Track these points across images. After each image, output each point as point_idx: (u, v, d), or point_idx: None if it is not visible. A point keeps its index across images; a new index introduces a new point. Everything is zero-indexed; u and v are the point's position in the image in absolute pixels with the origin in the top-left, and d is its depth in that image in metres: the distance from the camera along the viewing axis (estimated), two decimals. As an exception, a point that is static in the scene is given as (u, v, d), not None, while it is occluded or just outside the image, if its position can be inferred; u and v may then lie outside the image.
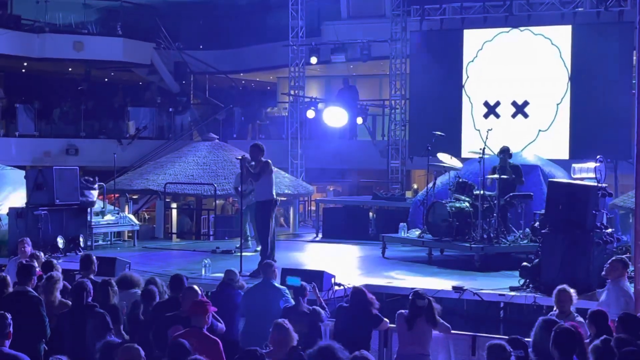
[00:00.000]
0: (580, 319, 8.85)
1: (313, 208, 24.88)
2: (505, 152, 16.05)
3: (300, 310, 9.74)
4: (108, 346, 6.85)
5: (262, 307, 10.19)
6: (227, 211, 23.90)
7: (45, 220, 16.54)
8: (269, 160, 14.15)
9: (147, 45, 28.27)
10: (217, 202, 21.56)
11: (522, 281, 12.74)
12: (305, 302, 9.95)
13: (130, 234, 19.25)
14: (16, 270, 9.71)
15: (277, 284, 10.78)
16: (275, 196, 14.27)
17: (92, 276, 10.43)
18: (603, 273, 10.09)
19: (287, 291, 10.50)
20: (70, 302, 9.20)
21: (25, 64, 28.41)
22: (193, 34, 30.30)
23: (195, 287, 9.30)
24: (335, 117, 23.77)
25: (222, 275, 11.14)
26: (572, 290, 9.10)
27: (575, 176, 16.43)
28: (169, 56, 28.87)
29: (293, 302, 10.09)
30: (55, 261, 11.23)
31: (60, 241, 16.56)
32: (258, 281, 11.02)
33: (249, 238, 17.39)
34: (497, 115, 20.88)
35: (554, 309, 9.20)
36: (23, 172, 18.14)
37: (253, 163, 14.05)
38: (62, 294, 9.65)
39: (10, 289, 9.37)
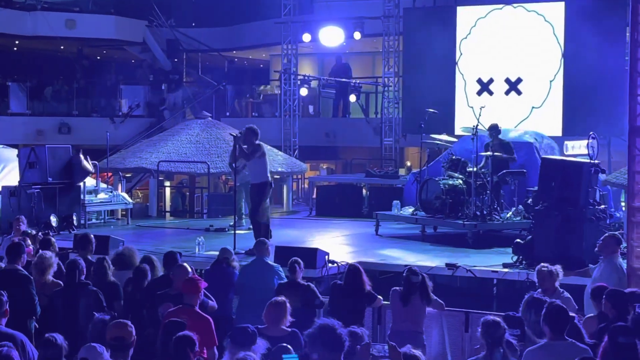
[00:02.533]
0: (566, 294, 8.87)
1: (306, 186, 24.89)
2: (494, 129, 16.04)
3: (294, 286, 9.77)
4: (100, 322, 6.86)
5: (256, 284, 10.24)
6: (221, 189, 23.91)
7: (38, 198, 16.53)
8: (261, 143, 14.19)
9: (139, 23, 28.14)
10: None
11: (515, 258, 12.77)
12: (300, 278, 9.98)
13: (124, 213, 19.26)
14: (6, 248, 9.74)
15: (270, 261, 10.81)
16: (270, 178, 14.32)
17: (89, 255, 10.46)
18: (596, 249, 10.11)
19: (280, 268, 10.55)
20: (61, 282, 9.22)
21: (17, 42, 28.30)
22: (185, 11, 30.19)
23: (186, 265, 9.32)
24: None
25: (216, 253, 11.16)
26: (554, 268, 9.07)
27: (568, 153, 16.47)
28: (161, 34, 28.76)
29: (286, 279, 10.13)
30: (53, 239, 11.25)
31: (53, 219, 16.55)
32: (252, 259, 11.05)
33: (243, 216, 17.39)
34: (491, 92, 20.85)
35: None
36: (15, 151, 18.11)
37: (245, 146, 14.06)
38: (56, 273, 9.65)
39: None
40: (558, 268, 9.11)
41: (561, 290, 8.94)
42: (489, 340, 6.86)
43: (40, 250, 10.22)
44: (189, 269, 9.15)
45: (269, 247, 10.86)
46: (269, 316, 7.80)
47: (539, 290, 8.90)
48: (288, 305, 7.90)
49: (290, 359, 8.99)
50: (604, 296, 7.95)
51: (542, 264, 9.23)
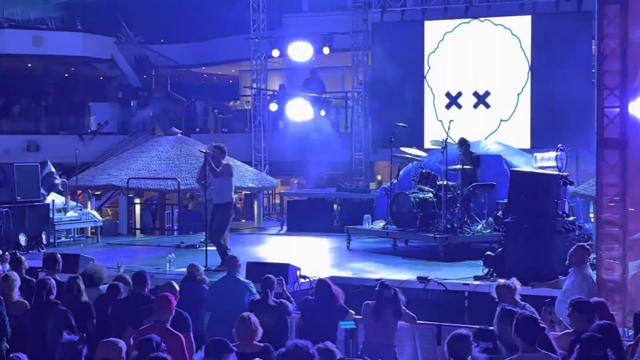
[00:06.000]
0: (530, 307, 8.82)
1: (277, 201, 24.86)
2: (462, 143, 16.12)
3: (268, 303, 9.73)
4: (69, 343, 6.79)
5: (227, 301, 10.18)
6: (188, 206, 23.79)
7: (6, 217, 16.36)
8: (231, 163, 14.16)
9: (107, 39, 28.05)
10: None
11: (486, 270, 12.83)
12: (273, 295, 9.94)
13: (94, 230, 19.12)
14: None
15: (242, 277, 10.77)
16: (233, 199, 14.29)
17: (57, 275, 10.37)
18: (567, 262, 10.16)
19: (252, 284, 10.51)
20: (26, 301, 9.15)
21: (-17, 60, 28.09)
22: (154, 28, 30.12)
23: (174, 283, 9.35)
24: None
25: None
26: (510, 282, 9.04)
27: (537, 165, 16.57)
28: (129, 50, 28.68)
29: (259, 296, 10.09)
30: (23, 257, 11.16)
31: (22, 239, 16.40)
32: (222, 275, 11.00)
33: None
34: (459, 106, 20.97)
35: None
36: (-17, 170, 17.91)
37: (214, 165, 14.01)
38: (26, 292, 9.57)
39: None
40: (514, 281, 9.12)
41: (523, 303, 8.90)
42: (455, 353, 6.88)
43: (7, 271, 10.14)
44: (177, 288, 9.24)
45: (239, 263, 10.81)
46: (240, 332, 7.77)
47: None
48: (256, 320, 7.87)
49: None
50: (569, 307, 7.97)
51: (499, 280, 9.23)
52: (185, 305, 9.39)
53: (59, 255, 10.88)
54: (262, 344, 7.75)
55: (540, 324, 7.12)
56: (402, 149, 17.03)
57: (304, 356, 5.77)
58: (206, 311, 10.47)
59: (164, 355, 6.52)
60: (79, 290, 9.39)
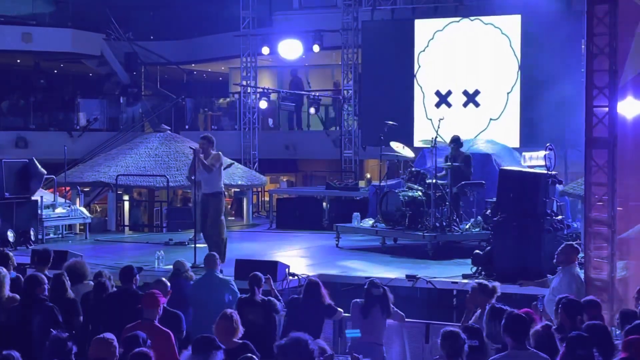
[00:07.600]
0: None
1: (267, 199, 24.85)
2: (455, 141, 16.15)
3: (255, 300, 9.73)
4: (57, 340, 6.76)
5: (207, 298, 10.22)
6: (176, 203, 23.77)
7: (-6, 214, 16.34)
8: (220, 153, 14.12)
9: (97, 36, 27.97)
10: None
11: (474, 269, 12.85)
12: (260, 292, 9.94)
13: (82, 227, 19.06)
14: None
15: (221, 275, 10.75)
16: (223, 188, 14.26)
17: (46, 271, 10.33)
18: (555, 260, 10.19)
19: (232, 282, 10.54)
20: (17, 296, 9.11)
21: (-28, 56, 28.01)
22: (143, 24, 30.04)
23: (164, 279, 9.33)
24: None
25: (176, 267, 11.09)
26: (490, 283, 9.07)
27: (525, 164, 16.60)
28: (119, 47, 28.59)
29: (239, 293, 10.10)
30: (10, 254, 11.11)
31: (10, 235, 16.36)
32: (203, 273, 10.99)
33: (202, 229, 17.27)
34: (449, 105, 20.97)
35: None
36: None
37: (202, 155, 13.96)
38: (13, 288, 9.53)
39: None
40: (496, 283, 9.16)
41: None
42: (449, 351, 6.89)
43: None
44: (168, 284, 9.21)
45: (218, 260, 10.79)
46: (219, 328, 7.75)
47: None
48: (238, 318, 7.85)
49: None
50: (559, 306, 7.99)
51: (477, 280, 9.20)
52: (171, 302, 9.40)
53: (49, 251, 10.84)
54: (240, 341, 7.72)
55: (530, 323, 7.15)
56: (392, 144, 17.02)
57: (302, 349, 5.79)
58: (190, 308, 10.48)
59: (146, 350, 6.51)
60: (64, 286, 9.35)
